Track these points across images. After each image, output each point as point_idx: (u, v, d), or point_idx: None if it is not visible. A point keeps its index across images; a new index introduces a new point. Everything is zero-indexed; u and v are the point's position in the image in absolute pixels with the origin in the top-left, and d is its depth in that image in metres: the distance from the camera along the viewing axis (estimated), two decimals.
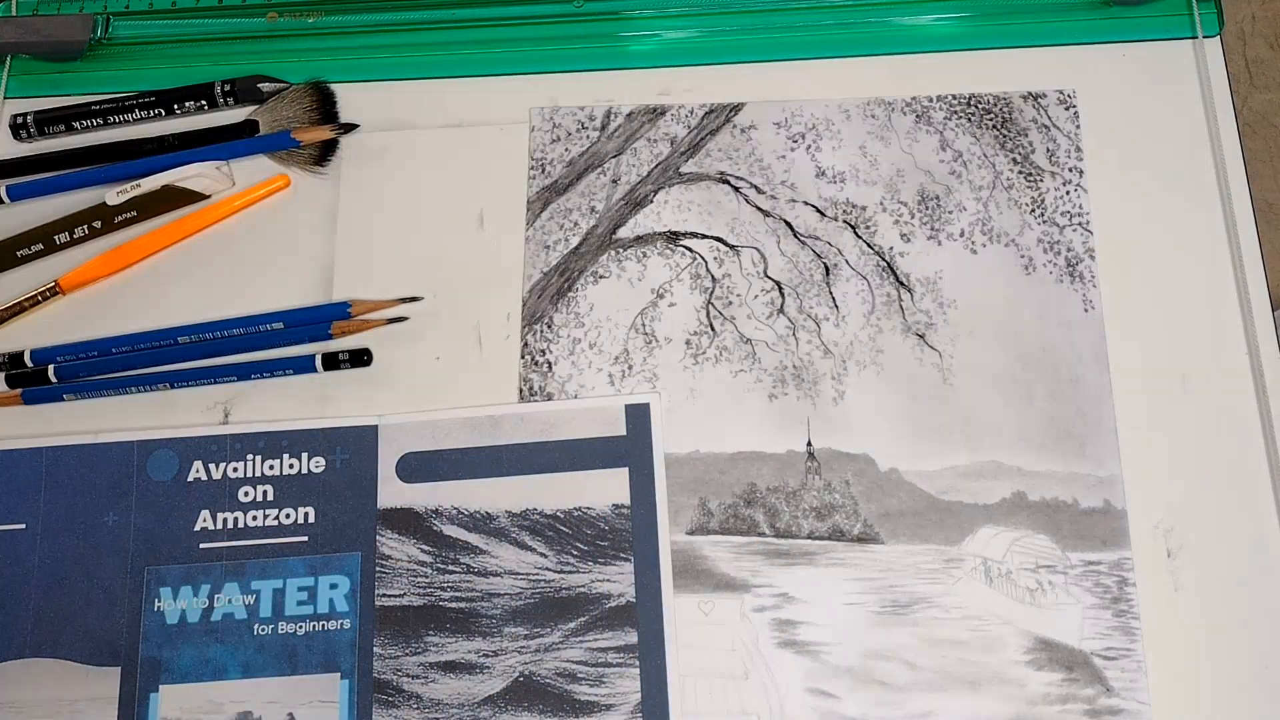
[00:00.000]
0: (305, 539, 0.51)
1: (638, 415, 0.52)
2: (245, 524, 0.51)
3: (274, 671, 0.49)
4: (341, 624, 0.49)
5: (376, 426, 0.52)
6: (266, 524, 0.51)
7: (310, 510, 0.51)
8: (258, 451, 0.52)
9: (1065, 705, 0.47)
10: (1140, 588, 0.48)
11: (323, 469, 0.52)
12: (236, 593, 0.50)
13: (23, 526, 0.51)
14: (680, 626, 0.49)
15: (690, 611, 0.49)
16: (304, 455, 0.52)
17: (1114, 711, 0.47)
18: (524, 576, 0.50)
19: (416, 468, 0.52)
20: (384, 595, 0.50)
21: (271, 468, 0.52)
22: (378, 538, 0.51)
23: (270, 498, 0.51)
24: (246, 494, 0.51)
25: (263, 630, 0.49)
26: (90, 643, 0.50)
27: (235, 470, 0.52)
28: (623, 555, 0.50)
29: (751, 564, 0.50)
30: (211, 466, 0.52)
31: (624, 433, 0.51)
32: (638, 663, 0.48)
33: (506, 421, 0.52)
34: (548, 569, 0.50)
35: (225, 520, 0.51)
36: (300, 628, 0.49)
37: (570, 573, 0.50)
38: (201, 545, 0.51)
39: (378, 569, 0.50)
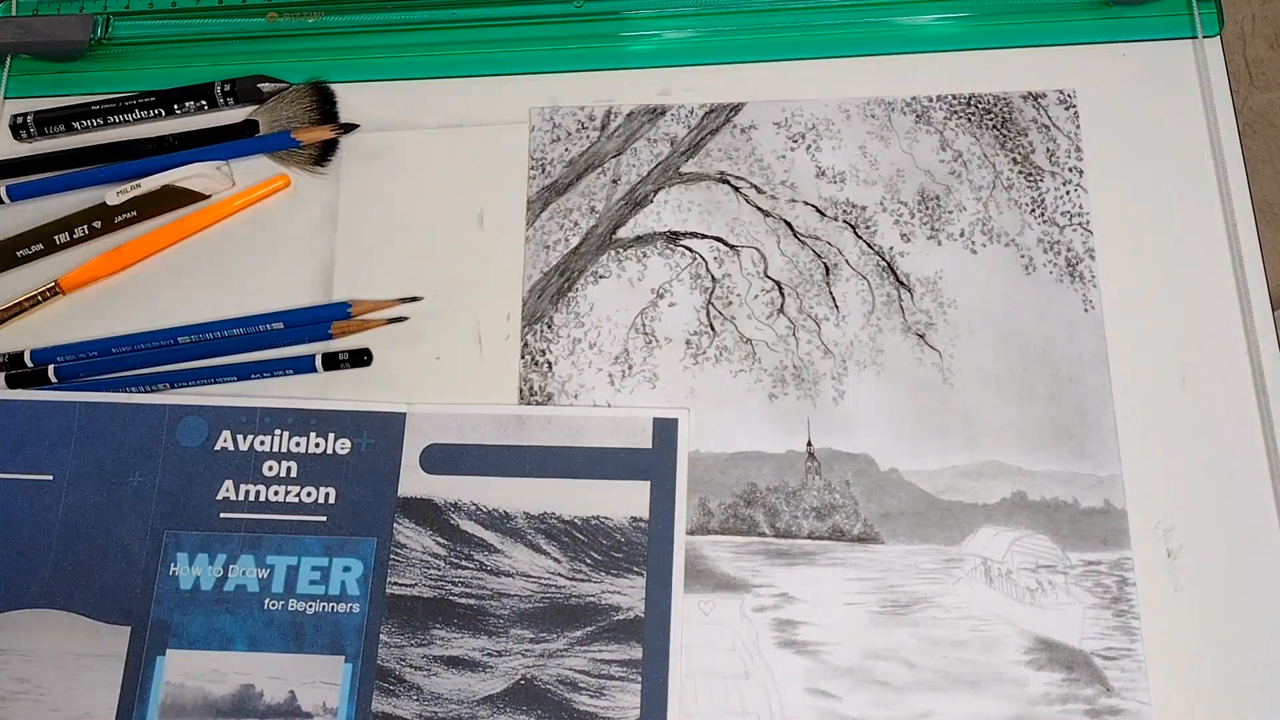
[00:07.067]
0: (324, 519, 0.51)
1: (665, 430, 0.51)
2: (267, 498, 0.51)
3: (280, 648, 0.49)
4: (351, 607, 0.50)
5: (405, 414, 0.52)
6: (287, 500, 0.51)
7: (331, 491, 0.51)
8: (286, 427, 0.52)
9: (1065, 705, 0.47)
10: (1140, 588, 0.48)
11: (347, 451, 0.52)
12: (251, 565, 0.50)
13: (50, 477, 0.51)
14: (681, 629, 0.49)
15: (690, 611, 0.49)
16: (330, 435, 0.52)
17: (1114, 711, 0.47)
18: (535, 580, 0.50)
19: (440, 459, 0.52)
20: (395, 584, 0.50)
21: (298, 445, 0.52)
22: (395, 525, 0.51)
23: (293, 475, 0.51)
24: (271, 468, 0.52)
25: (273, 605, 0.50)
26: (104, 599, 0.50)
27: (262, 444, 0.52)
28: (636, 569, 0.50)
29: (751, 564, 0.50)
30: (239, 437, 0.52)
31: (649, 445, 0.51)
32: (640, 679, 0.48)
33: (534, 422, 0.52)
34: (560, 575, 0.50)
35: (248, 492, 0.51)
36: (310, 607, 0.50)
37: (582, 581, 0.50)
38: (222, 515, 0.51)
39: (392, 557, 0.50)
